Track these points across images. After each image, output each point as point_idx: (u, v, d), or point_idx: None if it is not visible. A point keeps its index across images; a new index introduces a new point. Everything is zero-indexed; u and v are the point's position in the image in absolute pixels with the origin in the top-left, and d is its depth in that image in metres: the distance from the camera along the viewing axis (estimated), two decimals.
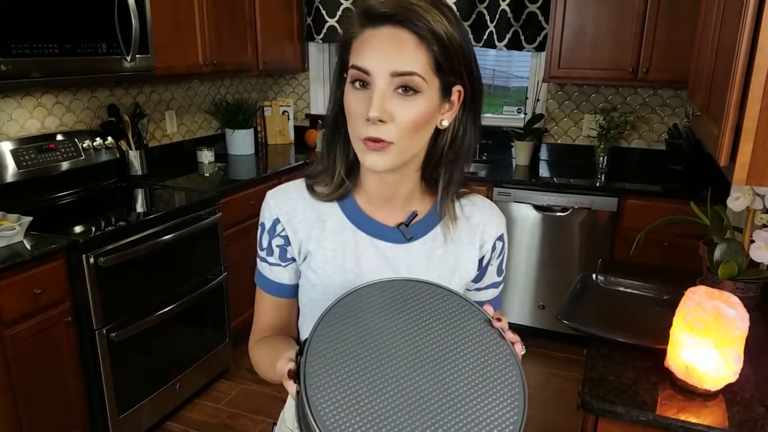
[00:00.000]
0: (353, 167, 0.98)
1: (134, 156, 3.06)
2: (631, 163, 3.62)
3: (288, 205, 1.00)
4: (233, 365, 3.09)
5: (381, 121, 0.84)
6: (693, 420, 1.18)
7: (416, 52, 0.83)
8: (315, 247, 0.98)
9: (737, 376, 1.22)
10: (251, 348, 1.07)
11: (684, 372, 1.25)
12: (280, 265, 1.03)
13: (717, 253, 1.63)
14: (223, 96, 3.91)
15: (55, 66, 2.25)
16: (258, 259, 1.05)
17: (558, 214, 3.23)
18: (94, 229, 2.28)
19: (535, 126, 3.64)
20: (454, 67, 0.87)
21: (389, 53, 0.83)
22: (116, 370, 2.33)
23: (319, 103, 4.29)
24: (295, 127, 4.26)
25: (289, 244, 1.00)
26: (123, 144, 3.01)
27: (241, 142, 3.80)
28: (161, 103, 3.39)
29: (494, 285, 1.09)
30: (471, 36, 3.58)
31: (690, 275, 1.74)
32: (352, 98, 0.87)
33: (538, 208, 3.25)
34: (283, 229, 1.00)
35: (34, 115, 2.66)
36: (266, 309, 1.07)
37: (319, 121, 4.17)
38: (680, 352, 1.25)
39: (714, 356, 1.20)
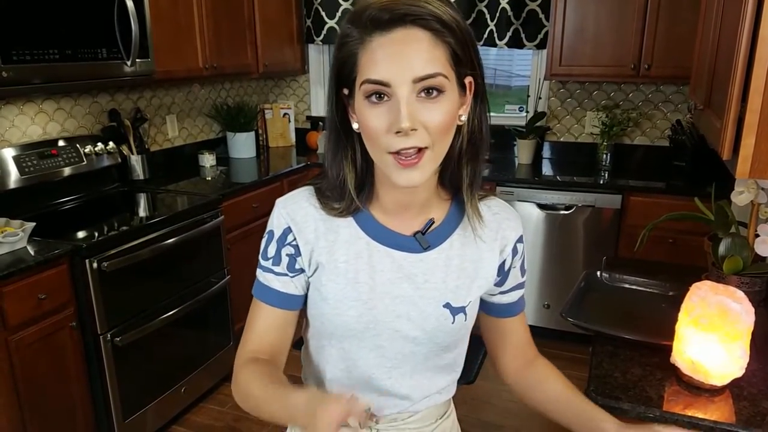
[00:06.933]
0: (364, 181, 0.93)
1: (136, 160, 3.06)
2: (635, 160, 3.60)
3: (299, 215, 0.94)
4: None
5: (413, 129, 0.78)
6: (700, 416, 1.17)
7: (434, 51, 0.78)
8: (327, 259, 0.93)
9: (743, 371, 1.21)
10: (240, 369, 0.93)
11: (690, 368, 1.24)
12: (287, 275, 0.95)
13: (721, 248, 1.61)
14: (224, 99, 3.91)
15: (56, 72, 2.25)
16: (260, 270, 0.97)
17: (562, 212, 3.21)
18: (96, 234, 2.28)
19: (538, 124, 3.62)
20: (468, 56, 0.82)
21: (407, 58, 0.77)
22: (121, 374, 2.33)
23: (320, 105, 4.29)
24: (296, 129, 4.26)
25: (300, 254, 0.94)
26: (124, 149, 3.02)
27: (243, 146, 3.80)
28: (162, 107, 3.40)
29: (519, 286, 1.05)
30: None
31: (695, 271, 1.72)
32: (371, 115, 0.81)
33: (541, 206, 3.24)
34: (294, 239, 0.94)
35: (36, 122, 2.67)
36: (264, 323, 0.97)
37: (320, 123, 4.16)
38: (686, 348, 1.24)
39: (719, 351, 1.19)
